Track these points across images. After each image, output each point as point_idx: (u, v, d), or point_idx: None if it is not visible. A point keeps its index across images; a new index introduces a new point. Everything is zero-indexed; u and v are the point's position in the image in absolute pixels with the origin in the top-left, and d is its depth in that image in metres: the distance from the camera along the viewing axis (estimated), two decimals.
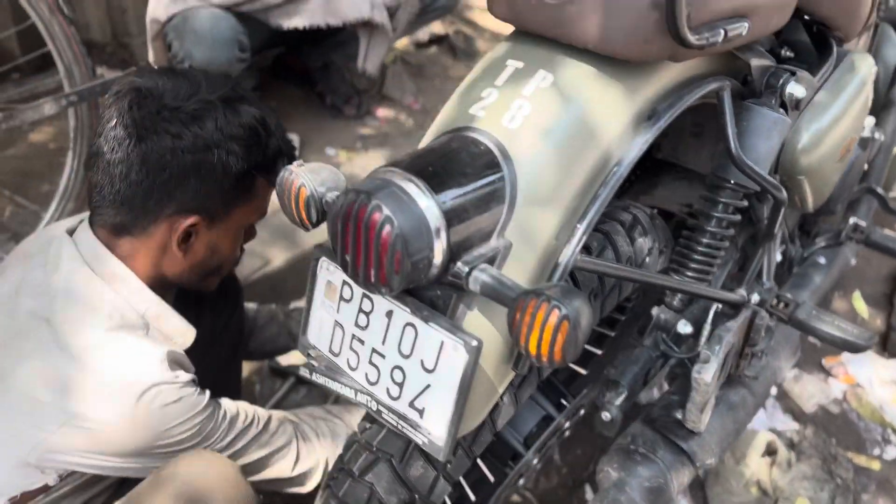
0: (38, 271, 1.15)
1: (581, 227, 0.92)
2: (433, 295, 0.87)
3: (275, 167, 1.22)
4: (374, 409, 0.92)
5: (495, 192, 0.85)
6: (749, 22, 0.97)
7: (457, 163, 0.85)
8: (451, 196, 0.80)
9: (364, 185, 0.79)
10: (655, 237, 1.18)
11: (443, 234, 0.79)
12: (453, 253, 0.81)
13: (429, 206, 0.78)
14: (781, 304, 1.31)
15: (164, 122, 1.11)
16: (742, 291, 1.28)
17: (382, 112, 2.76)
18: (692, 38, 0.86)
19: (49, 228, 1.27)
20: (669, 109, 0.98)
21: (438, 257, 0.79)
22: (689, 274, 1.22)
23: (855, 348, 1.34)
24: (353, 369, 0.93)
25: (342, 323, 0.94)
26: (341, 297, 0.93)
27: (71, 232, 1.20)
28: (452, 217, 0.80)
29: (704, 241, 1.20)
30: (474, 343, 0.82)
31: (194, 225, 1.17)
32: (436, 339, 0.84)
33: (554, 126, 0.89)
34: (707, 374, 1.09)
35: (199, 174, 1.14)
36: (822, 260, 1.85)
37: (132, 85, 1.13)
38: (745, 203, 1.20)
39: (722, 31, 0.92)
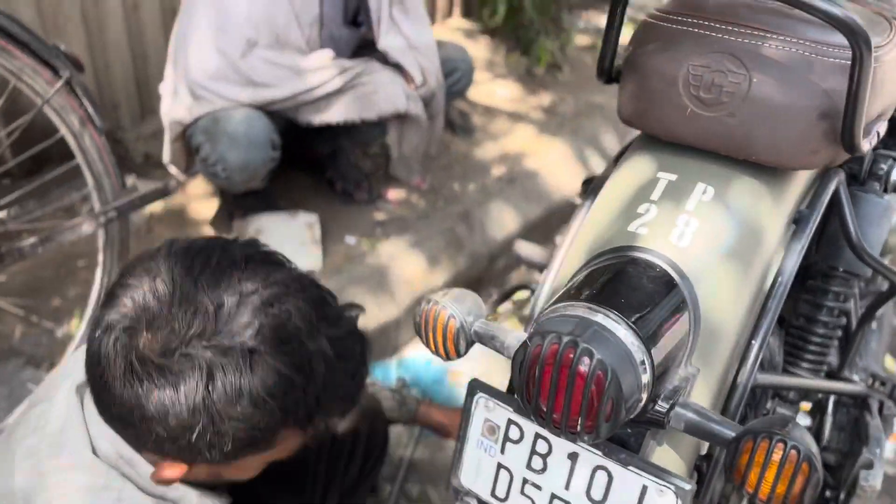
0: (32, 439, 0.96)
1: (756, 344, 0.87)
2: (623, 434, 0.80)
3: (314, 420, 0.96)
4: None
5: (681, 317, 0.80)
6: (885, 119, 0.97)
7: (640, 289, 0.79)
8: (649, 328, 0.75)
9: (559, 325, 0.73)
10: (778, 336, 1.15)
11: (648, 371, 0.73)
12: (654, 389, 0.75)
13: (633, 342, 0.72)
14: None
15: (149, 373, 0.86)
16: (856, 379, 1.25)
17: (393, 194, 2.71)
18: (863, 144, 0.84)
19: (62, 374, 1.04)
20: (814, 212, 0.96)
21: (644, 397, 0.73)
22: (805, 366, 1.19)
23: None
24: None
25: (508, 466, 0.86)
26: (507, 438, 0.86)
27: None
28: (653, 351, 0.74)
29: (820, 331, 1.18)
30: (687, 487, 0.75)
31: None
32: (636, 484, 0.78)
33: (724, 242, 0.85)
34: (876, 480, 1.05)
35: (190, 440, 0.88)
36: (874, 325, 1.86)
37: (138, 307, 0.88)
38: (856, 291, 1.18)
39: (875, 133, 0.91)
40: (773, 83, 0.83)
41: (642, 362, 0.72)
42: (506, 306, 2.32)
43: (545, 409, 0.73)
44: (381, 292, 2.21)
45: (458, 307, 0.87)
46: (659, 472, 0.76)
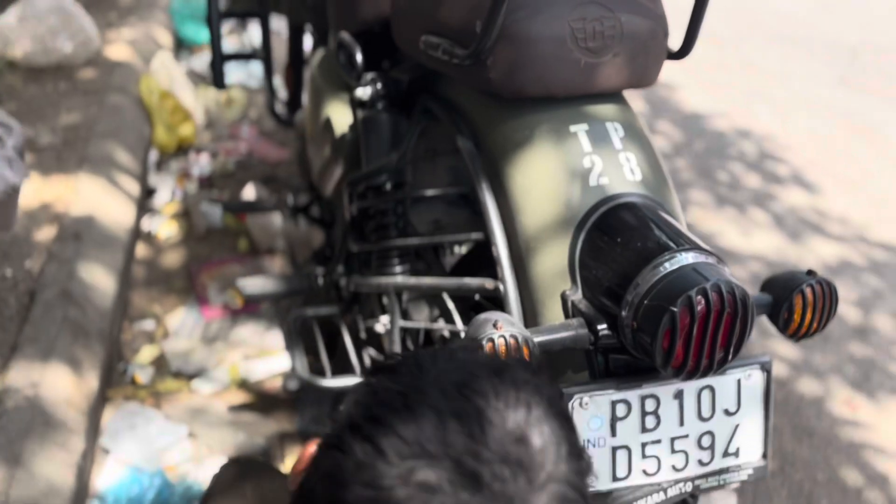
0: None
1: None
2: None
3: None
4: (687, 490, 0.90)
5: None
6: None
7: (665, 224, 0.86)
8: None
9: (685, 280, 0.76)
10: None
11: None
12: None
13: (727, 270, 0.81)
14: None
15: None
16: None
17: None
18: None
19: None
20: None
21: None
22: None
23: None
24: (651, 475, 0.88)
25: (623, 444, 0.86)
26: (614, 419, 0.85)
27: None
28: None
29: None
30: (766, 359, 0.89)
31: None
32: (730, 383, 0.88)
33: (653, 161, 0.96)
34: None
35: None
36: None
37: None
38: None
39: None
40: (635, 17, 0.95)
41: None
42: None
43: (682, 359, 0.77)
44: None
45: (518, 329, 0.80)
46: (743, 363, 0.88)
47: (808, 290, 0.86)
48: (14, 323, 1.74)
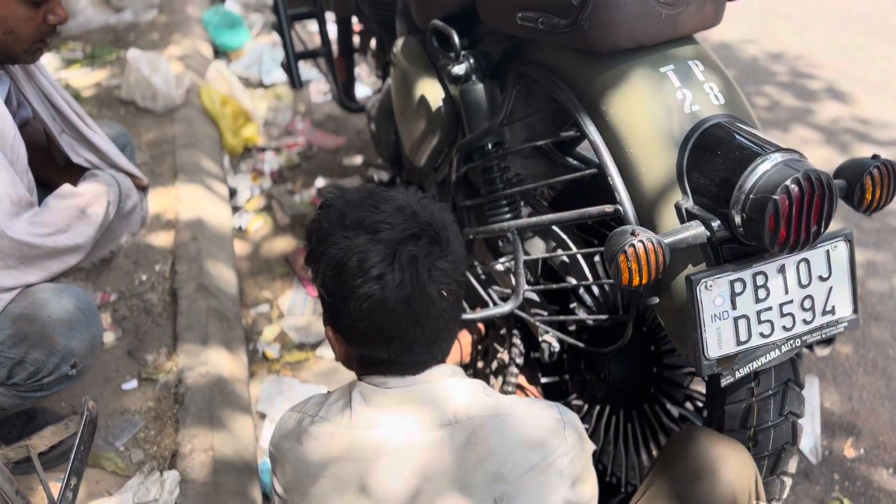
0: None
1: None
2: None
3: None
4: (797, 345, 1.12)
5: None
6: None
7: (752, 135, 1.07)
8: None
9: (789, 171, 0.97)
10: None
11: None
12: None
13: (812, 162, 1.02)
14: None
15: None
16: None
17: None
18: None
19: None
20: None
21: None
22: None
23: None
24: (767, 336, 1.10)
25: (743, 313, 1.08)
26: (733, 295, 1.07)
27: None
28: None
29: None
30: (848, 230, 1.10)
31: None
32: (821, 254, 1.09)
33: (732, 86, 1.17)
34: None
35: None
36: None
37: None
38: None
39: None
40: None
41: None
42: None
43: (785, 237, 0.98)
44: None
45: (651, 234, 1.01)
46: (830, 236, 1.09)
47: (875, 171, 1.07)
48: (164, 318, 2.00)
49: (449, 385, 0.99)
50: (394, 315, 0.93)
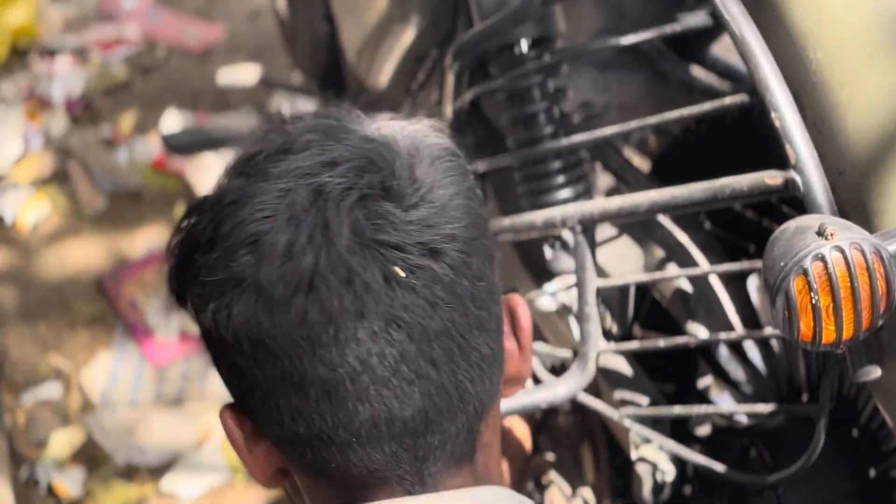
0: None
1: None
2: None
3: None
4: None
5: None
6: None
7: None
8: None
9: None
10: None
11: None
12: None
13: None
14: None
15: None
16: None
17: None
18: None
19: None
20: None
21: None
22: None
23: None
24: None
25: None
26: None
27: None
28: None
29: None
30: None
31: None
32: None
33: None
34: None
35: None
36: None
37: None
38: None
39: None
40: None
41: None
42: None
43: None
44: None
45: (859, 234, 0.55)
46: None
47: None
48: None
49: None
50: (284, 326, 0.44)
